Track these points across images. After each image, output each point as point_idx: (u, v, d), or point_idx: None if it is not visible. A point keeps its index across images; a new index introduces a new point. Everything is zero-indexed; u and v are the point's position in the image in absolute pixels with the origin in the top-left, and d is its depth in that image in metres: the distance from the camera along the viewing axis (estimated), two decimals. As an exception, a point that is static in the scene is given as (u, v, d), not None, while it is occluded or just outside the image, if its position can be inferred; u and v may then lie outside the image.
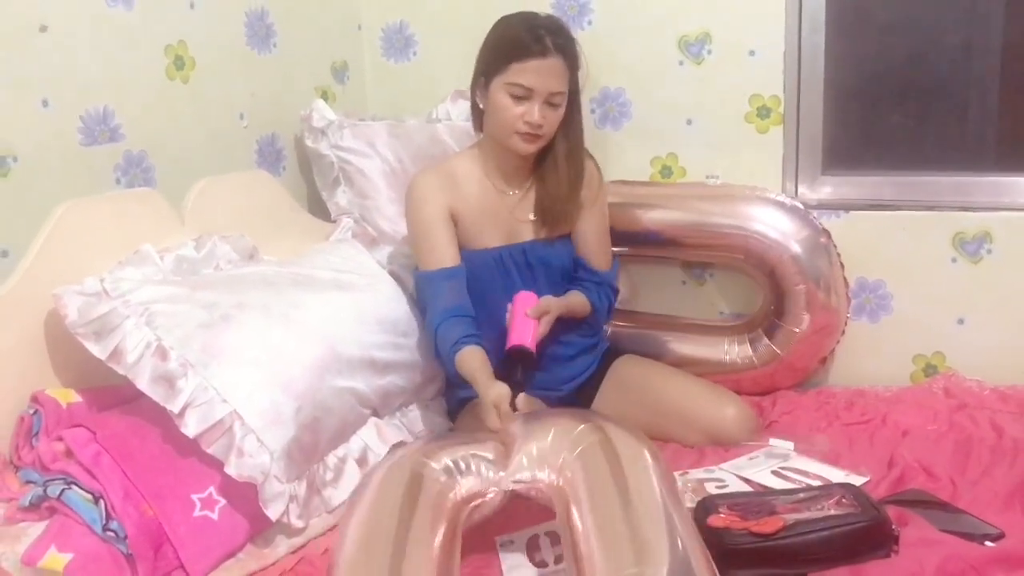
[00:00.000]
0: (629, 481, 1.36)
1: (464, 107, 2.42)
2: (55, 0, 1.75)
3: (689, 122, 2.41)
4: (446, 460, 1.49)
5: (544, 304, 1.89)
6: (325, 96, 2.48)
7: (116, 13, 1.88)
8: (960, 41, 2.39)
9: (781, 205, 2.25)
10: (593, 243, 2.09)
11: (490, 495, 1.50)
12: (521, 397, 1.73)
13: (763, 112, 2.34)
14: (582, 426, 1.50)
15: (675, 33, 2.36)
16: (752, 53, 2.33)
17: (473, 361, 1.82)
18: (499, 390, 1.71)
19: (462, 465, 1.49)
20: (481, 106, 1.96)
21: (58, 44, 1.75)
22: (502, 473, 1.50)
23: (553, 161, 2.00)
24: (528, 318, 1.87)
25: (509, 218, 2.03)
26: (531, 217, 2.04)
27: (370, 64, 2.68)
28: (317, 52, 2.50)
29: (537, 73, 1.86)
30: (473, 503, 1.49)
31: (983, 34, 2.38)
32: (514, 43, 1.87)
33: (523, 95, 1.87)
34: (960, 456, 1.82)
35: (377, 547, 1.30)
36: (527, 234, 2.04)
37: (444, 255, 1.96)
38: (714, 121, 2.39)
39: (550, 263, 2.05)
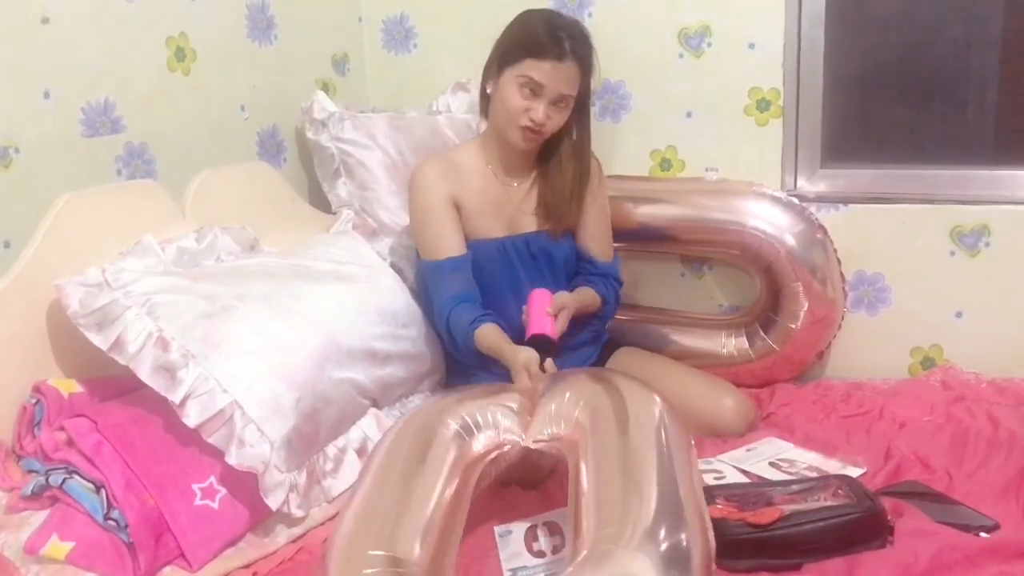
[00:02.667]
0: (630, 424, 1.42)
1: (465, 99, 2.43)
2: (56, -9, 1.76)
3: (689, 115, 2.41)
4: (464, 416, 1.53)
5: (560, 300, 1.89)
6: (326, 88, 2.49)
7: (117, 4, 1.88)
8: (959, 35, 2.39)
9: (777, 200, 2.25)
10: (594, 234, 2.10)
11: (507, 448, 1.54)
12: (549, 362, 1.77)
13: (762, 105, 2.35)
14: (598, 386, 1.56)
15: (675, 26, 2.36)
16: (752, 46, 2.33)
17: (493, 333, 1.86)
18: (528, 353, 1.76)
19: (480, 420, 1.53)
20: (489, 91, 1.98)
21: (60, 36, 1.76)
22: (523, 434, 1.54)
23: (558, 160, 2.02)
24: (547, 314, 1.88)
25: (512, 209, 2.04)
26: (534, 209, 2.05)
27: (371, 56, 2.68)
28: (318, 44, 2.50)
29: (550, 73, 1.88)
30: (490, 457, 1.53)
31: (982, 29, 2.38)
32: (534, 39, 1.89)
33: (533, 90, 1.89)
34: (957, 448, 1.83)
35: (382, 499, 1.34)
36: (530, 225, 2.06)
37: (449, 244, 1.97)
38: (714, 114, 2.40)
39: (553, 255, 2.06)
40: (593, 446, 1.41)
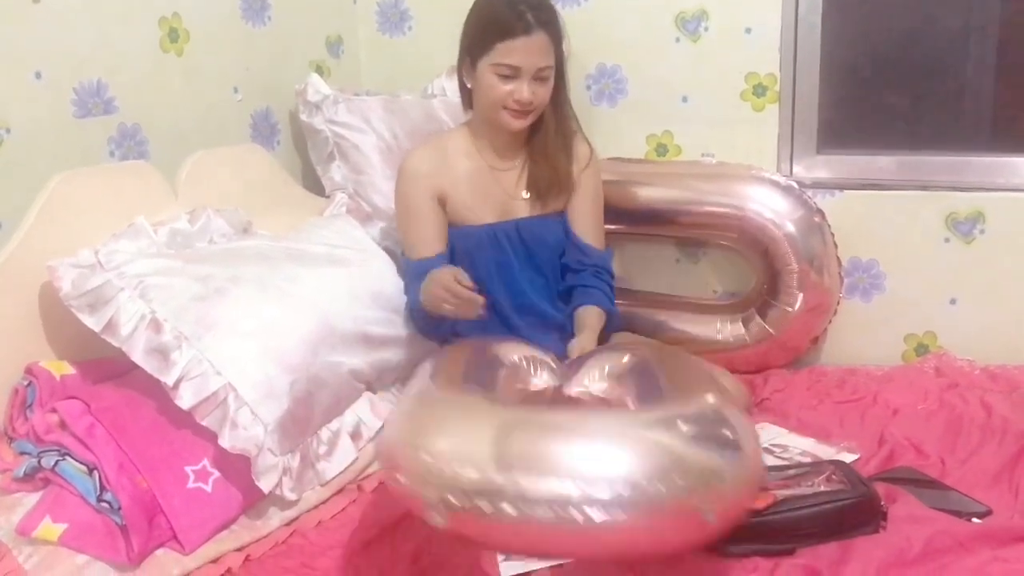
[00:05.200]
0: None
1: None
2: (49, -29, 1.74)
3: (685, 99, 2.40)
4: (514, 356, 1.63)
5: (579, 348, 1.87)
6: (320, 70, 2.47)
7: (110, -17, 1.87)
8: (956, 23, 2.39)
9: (775, 184, 2.25)
10: (587, 219, 2.08)
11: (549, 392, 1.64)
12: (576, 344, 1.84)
13: (759, 90, 2.34)
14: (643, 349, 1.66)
15: (671, 10, 2.35)
16: (748, 31, 2.32)
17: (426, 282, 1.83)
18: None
19: (536, 360, 1.66)
20: (469, 85, 1.96)
21: (52, 16, 1.74)
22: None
23: (544, 135, 2.00)
24: None
25: (502, 195, 2.02)
26: (524, 194, 2.04)
27: (365, 38, 2.67)
28: (312, 26, 2.49)
29: (523, 51, 1.85)
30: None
31: (979, 16, 2.38)
32: (497, 22, 1.86)
33: (511, 74, 1.86)
34: (950, 435, 1.83)
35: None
36: (521, 211, 2.04)
37: (426, 245, 1.96)
38: (710, 99, 2.39)
39: (544, 239, 2.05)
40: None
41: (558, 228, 2.06)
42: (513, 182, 2.03)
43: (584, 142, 2.07)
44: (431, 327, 1.96)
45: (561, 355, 2.04)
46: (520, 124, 1.93)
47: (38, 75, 1.73)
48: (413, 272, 1.94)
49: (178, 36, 2.04)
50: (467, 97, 2.00)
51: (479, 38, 1.89)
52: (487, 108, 1.93)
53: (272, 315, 1.69)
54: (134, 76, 1.93)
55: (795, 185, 2.26)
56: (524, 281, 2.02)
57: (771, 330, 2.24)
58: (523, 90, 1.87)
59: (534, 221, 2.04)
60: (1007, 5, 2.34)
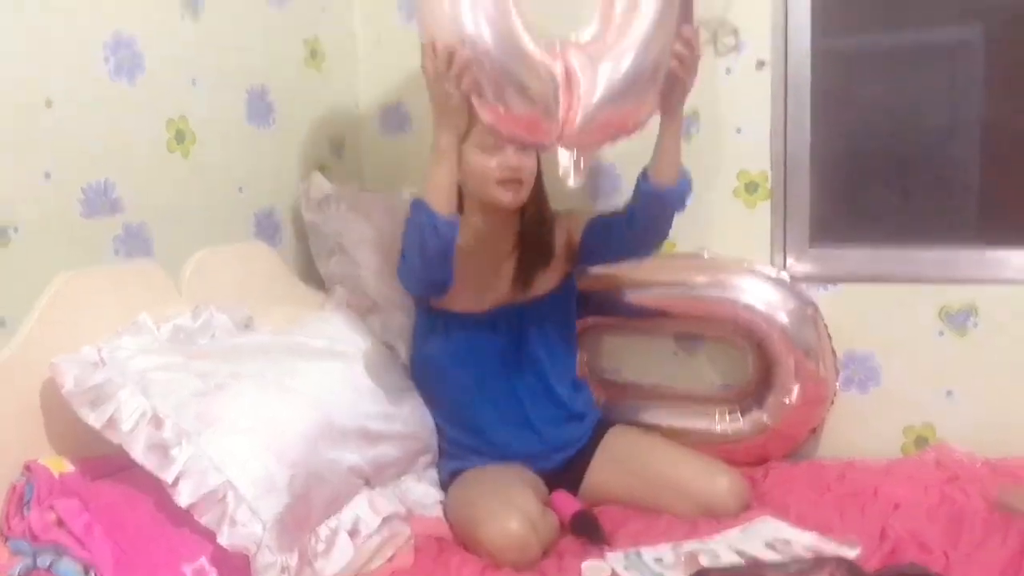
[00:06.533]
0: None
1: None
2: (62, 75, 1.79)
3: (678, 196, 2.45)
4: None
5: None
6: (323, 170, 2.53)
7: (119, 88, 1.92)
8: (941, 118, 2.46)
9: (768, 278, 2.28)
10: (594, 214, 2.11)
11: None
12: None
13: (751, 187, 2.39)
14: None
15: (663, 111, 2.41)
16: (739, 131, 2.38)
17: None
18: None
19: None
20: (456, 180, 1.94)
21: (63, 118, 1.79)
22: None
23: (530, 222, 2.04)
24: (576, 501, 1.95)
25: (499, 282, 2.05)
26: (517, 280, 2.06)
27: (367, 139, 2.74)
28: (316, 128, 2.55)
29: None
30: None
31: (963, 113, 2.45)
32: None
33: (493, 143, 1.88)
34: (953, 528, 1.81)
35: None
36: (517, 297, 2.07)
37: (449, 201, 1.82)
38: (703, 197, 2.42)
39: (543, 323, 2.08)
40: None
41: (555, 307, 2.10)
42: (508, 270, 2.06)
43: (563, 216, 2.11)
44: (427, 270, 1.84)
45: (572, 442, 2.04)
46: (514, 197, 1.94)
47: (47, 175, 1.77)
48: (425, 215, 1.78)
49: (185, 137, 2.09)
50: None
51: None
52: (478, 188, 1.95)
53: (272, 410, 1.70)
54: (141, 176, 1.97)
55: (787, 278, 2.29)
56: (527, 364, 2.04)
57: (769, 422, 2.24)
58: (508, 154, 1.89)
59: (530, 306, 2.06)
60: (988, 103, 2.41)
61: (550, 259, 2.08)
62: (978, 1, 2.39)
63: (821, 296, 2.32)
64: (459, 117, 1.73)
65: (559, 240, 2.09)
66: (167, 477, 1.51)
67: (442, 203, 1.78)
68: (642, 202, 1.97)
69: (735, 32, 2.35)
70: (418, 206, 1.80)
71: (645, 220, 2.00)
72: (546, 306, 2.08)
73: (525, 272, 2.06)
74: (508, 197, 1.94)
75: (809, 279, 2.37)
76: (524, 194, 1.97)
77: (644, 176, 1.96)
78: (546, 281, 2.09)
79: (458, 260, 1.97)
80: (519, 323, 2.05)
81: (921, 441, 2.33)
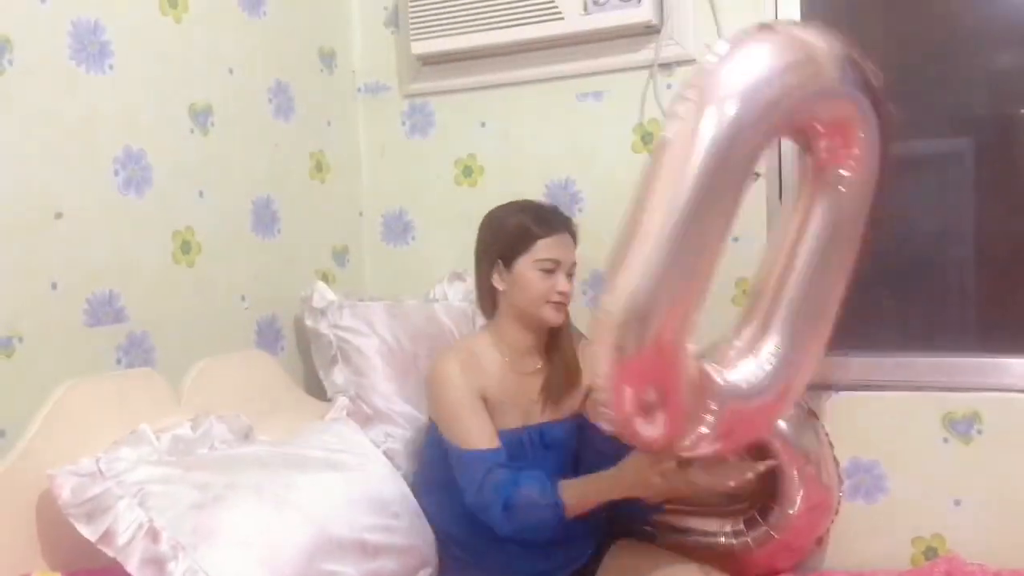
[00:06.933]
0: None
1: (460, 288, 2.50)
2: (71, 188, 1.84)
3: (678, 304, 2.46)
4: None
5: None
6: (325, 278, 2.56)
7: (128, 201, 1.97)
8: (934, 227, 2.49)
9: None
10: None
11: None
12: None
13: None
14: None
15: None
16: (736, 240, 2.40)
17: (575, 482, 1.90)
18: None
19: None
20: (500, 288, 2.02)
21: (71, 230, 1.83)
22: None
23: (559, 340, 2.08)
24: None
25: (524, 399, 2.05)
26: (545, 397, 2.07)
27: (369, 247, 2.78)
28: (319, 237, 2.60)
29: (561, 246, 2.00)
30: None
31: (955, 220, 2.48)
32: (536, 222, 2.00)
33: (552, 268, 1.98)
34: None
35: None
36: (539, 416, 2.07)
37: (488, 435, 1.96)
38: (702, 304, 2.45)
39: (563, 443, 2.08)
40: None
41: (573, 431, 2.09)
42: (534, 386, 2.07)
43: (589, 343, 2.11)
44: (533, 527, 1.92)
45: (577, 558, 2.01)
46: (560, 317, 2.02)
47: (54, 286, 1.80)
48: (484, 463, 1.91)
49: (190, 248, 2.12)
50: (489, 301, 2.07)
51: (519, 240, 1.99)
52: (528, 305, 2.00)
53: (268, 522, 1.67)
54: (145, 286, 2.00)
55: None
56: None
57: (774, 533, 2.20)
58: (562, 281, 1.99)
59: (554, 425, 2.06)
60: (981, 210, 2.44)
61: (578, 378, 2.09)
62: (967, 113, 2.45)
63: (823, 403, 2.31)
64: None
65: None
66: (162, 593, 1.49)
67: (574, 511, 1.88)
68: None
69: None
70: (547, 494, 1.88)
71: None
72: (566, 428, 2.08)
73: (555, 390, 2.07)
74: (555, 318, 2.01)
75: (810, 387, 2.36)
76: (564, 312, 2.04)
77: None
78: (572, 402, 2.09)
79: (494, 377, 2.01)
80: (540, 443, 2.05)
81: (931, 551, 2.29)
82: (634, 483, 1.85)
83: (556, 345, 2.09)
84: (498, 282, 2.03)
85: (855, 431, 2.31)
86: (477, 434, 1.95)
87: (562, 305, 2.01)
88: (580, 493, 1.89)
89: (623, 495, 1.88)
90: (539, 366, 2.09)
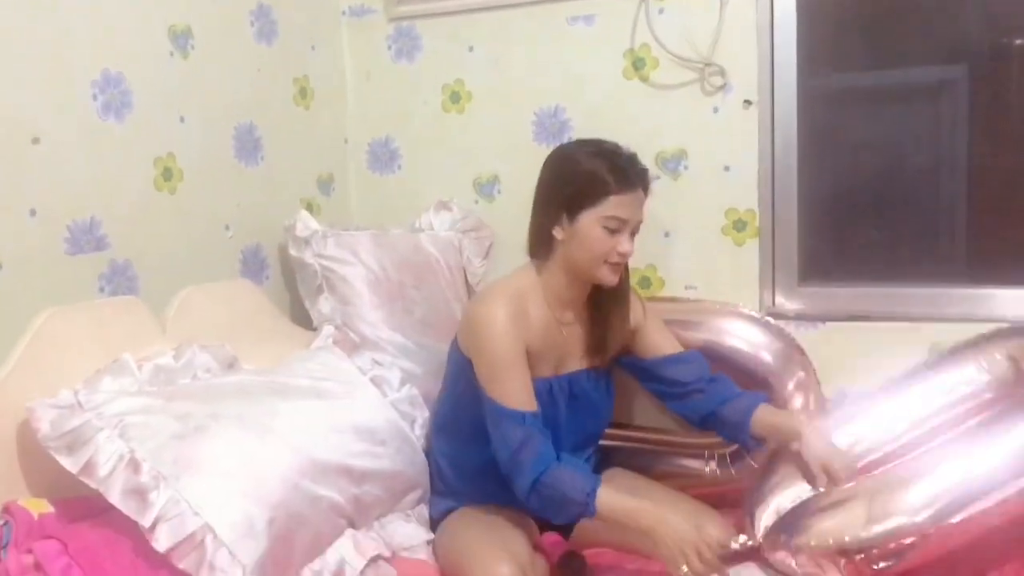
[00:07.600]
0: None
1: (447, 217, 2.48)
2: (49, 113, 1.80)
3: (667, 234, 2.46)
4: None
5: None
6: (310, 207, 2.53)
7: (108, 126, 1.93)
8: (927, 160, 2.47)
9: (752, 319, 2.29)
10: (663, 339, 2.08)
11: None
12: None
13: (739, 225, 2.40)
14: None
15: (652, 150, 2.42)
16: (727, 169, 2.39)
17: (614, 493, 1.79)
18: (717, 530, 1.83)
19: None
20: (560, 237, 1.90)
21: (49, 156, 1.79)
22: None
23: (607, 295, 1.98)
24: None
25: (561, 349, 1.99)
26: (580, 348, 2.01)
27: (355, 176, 2.74)
28: (304, 165, 2.56)
29: (632, 205, 1.86)
30: None
31: (949, 153, 2.47)
32: (612, 172, 1.85)
33: (617, 227, 1.86)
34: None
35: None
36: (575, 365, 2.01)
37: (528, 396, 1.86)
38: (692, 234, 2.44)
39: (591, 396, 2.03)
40: None
41: (605, 385, 2.07)
42: (573, 338, 2.01)
43: (638, 301, 2.07)
44: (555, 509, 1.83)
45: None
46: (615, 279, 1.92)
47: (32, 212, 1.77)
48: (521, 423, 1.82)
49: (172, 175, 2.09)
50: (545, 247, 1.95)
51: (588, 191, 1.85)
52: (586, 261, 1.89)
53: (251, 451, 1.67)
54: (127, 214, 1.97)
55: (771, 320, 2.30)
56: (568, 436, 1.99)
57: (756, 464, 2.22)
58: (626, 243, 1.87)
59: (584, 376, 2.02)
60: (974, 143, 2.42)
61: (624, 335, 2.02)
62: (962, 41, 2.42)
63: (811, 334, 2.32)
64: None
65: (628, 326, 2.04)
66: (145, 522, 1.49)
67: (601, 517, 1.78)
68: (725, 433, 2.07)
69: (722, 72, 2.37)
70: (584, 485, 1.79)
71: (711, 427, 2.07)
72: (595, 378, 2.04)
73: (600, 346, 2.01)
74: (611, 278, 1.91)
75: (799, 317, 2.37)
76: (620, 272, 1.94)
77: (748, 435, 2.00)
78: (605, 355, 2.03)
79: (539, 330, 1.93)
80: (570, 393, 2.00)
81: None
82: (665, 542, 1.72)
83: (608, 298, 1.98)
84: (557, 231, 1.90)
85: (843, 361, 2.32)
86: (518, 393, 1.85)
87: (620, 265, 1.91)
88: (615, 506, 1.77)
89: (646, 536, 1.75)
90: (580, 318, 2.01)
